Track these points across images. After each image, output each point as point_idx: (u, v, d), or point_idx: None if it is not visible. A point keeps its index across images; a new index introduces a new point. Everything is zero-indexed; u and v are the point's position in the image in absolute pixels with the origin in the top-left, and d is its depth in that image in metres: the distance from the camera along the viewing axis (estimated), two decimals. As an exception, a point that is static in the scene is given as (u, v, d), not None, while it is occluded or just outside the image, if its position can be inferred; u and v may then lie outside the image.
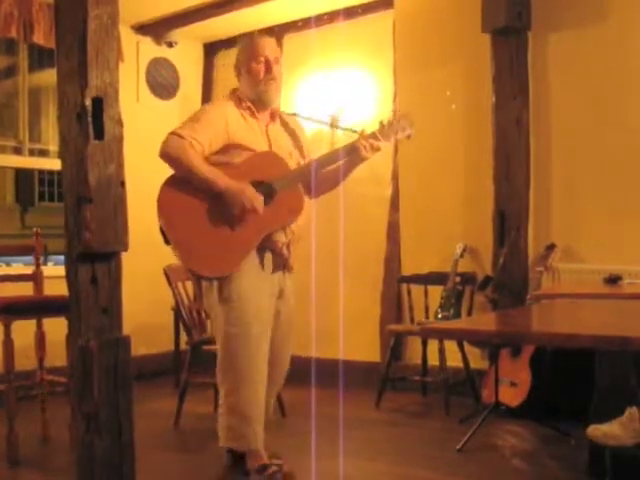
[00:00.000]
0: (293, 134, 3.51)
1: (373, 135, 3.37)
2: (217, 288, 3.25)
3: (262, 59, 3.36)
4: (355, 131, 3.47)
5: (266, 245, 3.28)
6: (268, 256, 3.30)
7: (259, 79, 3.35)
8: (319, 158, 3.41)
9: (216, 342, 3.35)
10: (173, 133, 3.20)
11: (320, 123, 4.28)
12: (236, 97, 3.40)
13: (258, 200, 3.20)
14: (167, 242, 3.22)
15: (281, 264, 3.35)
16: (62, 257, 2.95)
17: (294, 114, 3.72)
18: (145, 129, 5.00)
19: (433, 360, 4.92)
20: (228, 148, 3.28)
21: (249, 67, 3.37)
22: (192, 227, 3.20)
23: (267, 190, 3.24)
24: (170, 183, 3.22)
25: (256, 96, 3.38)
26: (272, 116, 3.46)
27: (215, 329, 3.38)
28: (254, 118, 3.38)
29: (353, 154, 3.37)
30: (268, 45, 3.43)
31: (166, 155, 3.18)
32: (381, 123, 3.42)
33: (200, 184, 3.19)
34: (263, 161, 3.31)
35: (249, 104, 3.37)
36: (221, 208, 3.20)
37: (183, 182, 3.21)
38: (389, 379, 4.89)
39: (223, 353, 3.26)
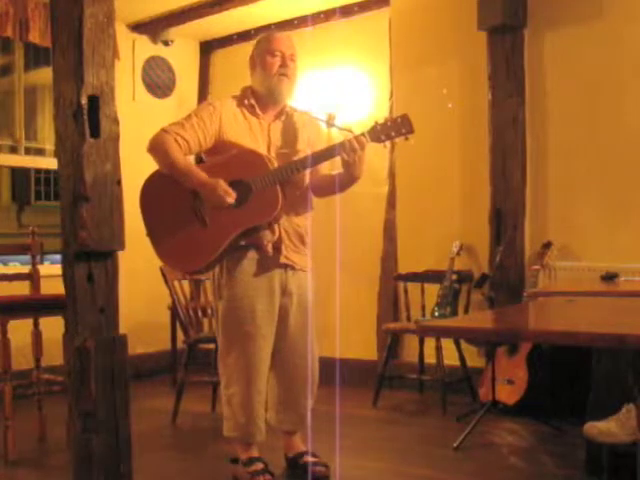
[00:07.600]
0: (302, 132, 3.42)
1: (361, 136, 3.21)
2: (217, 287, 3.33)
3: (278, 53, 3.31)
4: (351, 130, 3.35)
5: (253, 243, 3.27)
6: (257, 254, 3.29)
7: (272, 73, 3.30)
8: (302, 159, 3.29)
9: (216, 335, 3.45)
10: (161, 129, 3.24)
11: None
12: (242, 94, 3.38)
13: (230, 195, 3.17)
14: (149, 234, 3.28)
15: (275, 262, 3.32)
16: (58, 256, 2.95)
17: (308, 112, 3.61)
18: (141, 128, 4.94)
19: (430, 358, 4.92)
20: (219, 146, 3.28)
21: (264, 61, 3.32)
22: (168, 222, 3.26)
23: (244, 188, 3.21)
24: (153, 178, 3.29)
25: (267, 91, 3.34)
26: (278, 114, 3.39)
27: (215, 323, 3.46)
28: (255, 116, 3.35)
29: (341, 155, 3.21)
30: (285, 41, 3.38)
31: (151, 149, 3.22)
32: (376, 123, 3.24)
33: (178, 177, 3.22)
34: (245, 160, 3.27)
35: (252, 102, 3.34)
36: (197, 205, 3.23)
37: (165, 178, 3.25)
38: (386, 377, 4.89)
39: (221, 348, 3.36)
